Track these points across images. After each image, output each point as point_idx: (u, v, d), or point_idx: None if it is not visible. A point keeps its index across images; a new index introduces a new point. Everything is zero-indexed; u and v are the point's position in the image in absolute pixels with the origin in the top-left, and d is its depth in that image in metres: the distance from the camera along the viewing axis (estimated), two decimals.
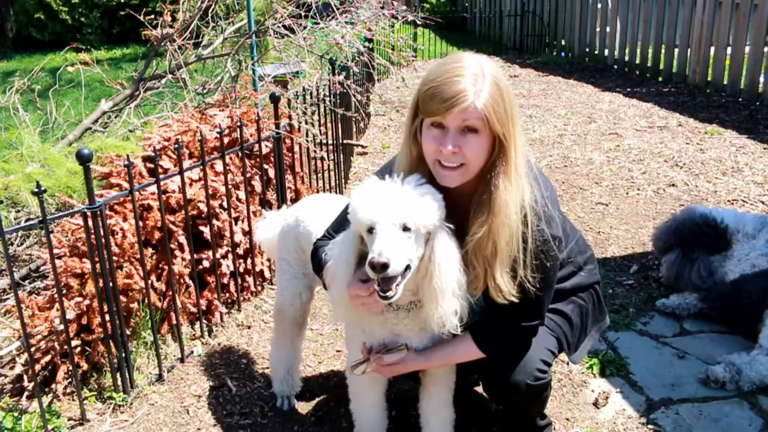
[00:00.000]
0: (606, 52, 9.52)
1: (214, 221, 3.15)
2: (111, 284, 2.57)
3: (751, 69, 7.03)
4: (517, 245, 1.82)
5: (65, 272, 2.76)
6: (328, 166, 4.51)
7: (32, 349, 2.66)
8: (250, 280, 3.45)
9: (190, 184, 3.13)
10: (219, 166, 3.19)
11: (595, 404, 2.66)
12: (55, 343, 2.70)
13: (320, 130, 4.34)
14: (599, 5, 9.51)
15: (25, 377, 2.72)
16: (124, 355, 2.69)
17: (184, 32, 4.63)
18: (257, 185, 3.48)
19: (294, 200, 3.69)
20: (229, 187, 3.18)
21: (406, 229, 1.77)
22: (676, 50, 8.19)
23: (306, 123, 4.17)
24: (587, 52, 9.94)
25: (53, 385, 2.70)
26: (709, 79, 7.66)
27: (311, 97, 4.29)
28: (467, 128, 1.77)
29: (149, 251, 2.99)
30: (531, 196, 1.84)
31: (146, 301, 2.79)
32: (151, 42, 4.80)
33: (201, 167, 2.95)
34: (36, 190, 2.23)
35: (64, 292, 2.71)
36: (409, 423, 2.50)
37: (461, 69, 1.77)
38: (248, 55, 4.81)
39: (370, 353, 2.04)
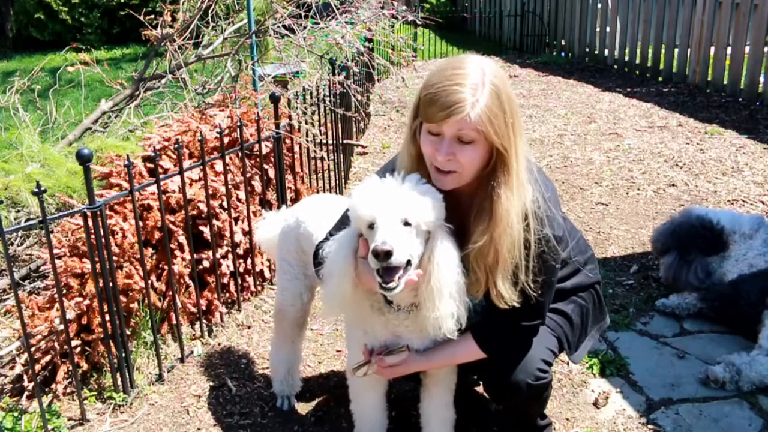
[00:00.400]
0: (606, 52, 9.51)
1: (214, 221, 3.15)
2: (111, 284, 2.57)
3: (751, 69, 7.03)
4: (519, 252, 1.82)
5: (65, 272, 2.76)
6: (328, 166, 4.51)
7: (32, 349, 2.66)
8: (250, 280, 3.45)
9: (190, 184, 3.13)
10: (219, 166, 3.19)
11: (595, 404, 2.66)
12: (55, 343, 2.70)
13: (320, 130, 4.34)
14: (599, 5, 9.51)
15: (25, 377, 2.72)
16: (124, 355, 2.69)
17: (184, 32, 4.63)
18: (257, 185, 3.48)
19: (294, 200, 3.69)
20: (229, 187, 3.18)
21: (407, 224, 1.77)
22: (676, 50, 8.19)
23: (306, 123, 4.17)
24: (587, 52, 9.94)
25: (53, 385, 2.70)
26: (709, 79, 7.66)
27: (311, 97, 4.28)
28: (462, 138, 1.77)
29: (149, 251, 2.99)
30: (532, 199, 1.84)
31: (146, 301, 2.79)
32: (151, 42, 4.80)
33: (201, 167, 2.95)
34: (36, 190, 2.23)
35: (64, 292, 2.71)
36: (409, 423, 2.50)
37: (461, 77, 1.74)
38: (248, 55, 4.81)
39: (372, 355, 2.03)
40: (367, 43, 6.25)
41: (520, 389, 2.04)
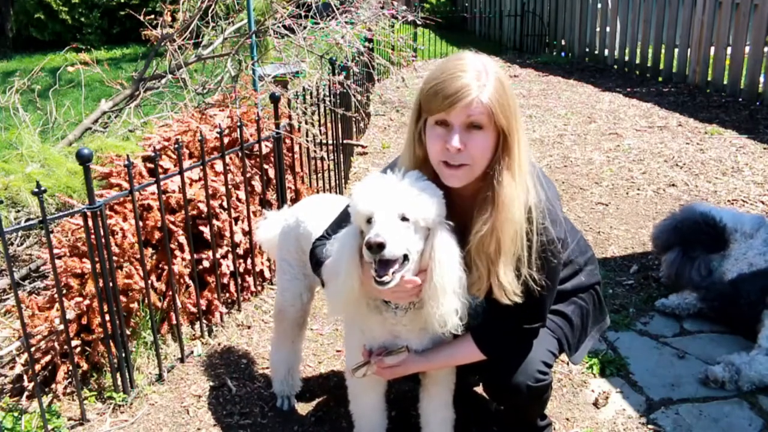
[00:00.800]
0: (606, 52, 9.51)
1: (214, 221, 3.15)
2: (111, 284, 2.57)
3: (751, 69, 7.03)
4: (521, 243, 1.81)
5: (65, 272, 2.76)
6: (328, 166, 4.51)
7: (32, 349, 2.66)
8: (250, 280, 3.45)
9: (190, 184, 3.13)
10: (219, 166, 3.19)
11: (595, 404, 2.66)
12: (55, 343, 2.70)
13: (320, 130, 4.34)
14: (599, 5, 9.51)
15: (25, 377, 2.72)
16: (124, 355, 2.69)
17: (184, 32, 4.63)
18: (257, 185, 3.48)
19: (294, 200, 3.69)
20: (229, 187, 3.18)
21: (404, 219, 1.76)
22: (676, 50, 8.19)
23: (306, 123, 4.17)
24: (587, 52, 9.94)
25: (53, 385, 2.70)
26: (709, 79, 7.66)
27: (311, 97, 4.28)
28: (472, 124, 1.77)
29: (149, 251, 2.99)
30: (535, 194, 1.84)
31: (146, 301, 2.79)
32: (151, 42, 4.80)
33: (201, 167, 2.95)
34: (36, 190, 2.23)
35: (64, 292, 2.71)
36: (409, 423, 2.50)
37: (464, 65, 1.77)
38: (248, 55, 4.81)
39: (371, 355, 2.03)
40: (367, 43, 6.25)
41: (520, 391, 2.04)
